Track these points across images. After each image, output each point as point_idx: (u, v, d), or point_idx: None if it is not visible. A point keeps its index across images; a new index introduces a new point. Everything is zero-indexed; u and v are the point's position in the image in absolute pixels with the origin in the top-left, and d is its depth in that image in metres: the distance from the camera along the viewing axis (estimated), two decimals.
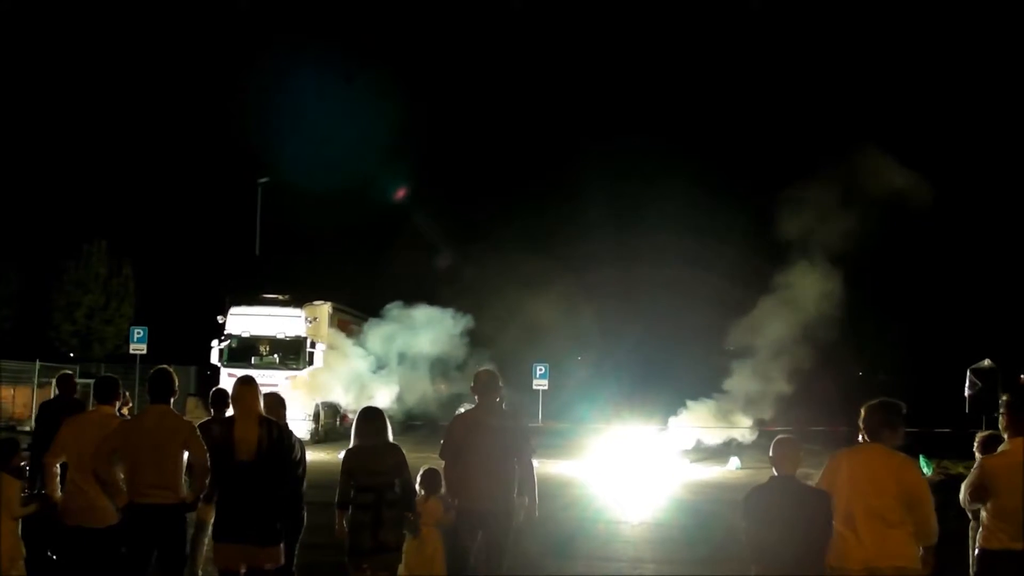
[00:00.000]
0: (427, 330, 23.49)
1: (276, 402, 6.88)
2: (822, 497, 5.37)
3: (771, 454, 5.61)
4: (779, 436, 5.81)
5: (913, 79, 37.37)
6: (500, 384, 6.82)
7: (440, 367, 23.75)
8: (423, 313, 23.63)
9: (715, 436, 22.00)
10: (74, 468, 6.43)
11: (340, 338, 24.83)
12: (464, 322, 23.56)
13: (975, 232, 29.51)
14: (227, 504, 6.08)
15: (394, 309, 23.88)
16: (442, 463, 6.88)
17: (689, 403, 22.31)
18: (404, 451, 6.64)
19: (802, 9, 41.11)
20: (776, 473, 5.57)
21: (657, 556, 10.83)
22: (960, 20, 37.78)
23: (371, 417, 6.76)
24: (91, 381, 10.43)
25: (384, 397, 22.07)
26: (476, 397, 6.81)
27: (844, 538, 5.11)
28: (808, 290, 20.66)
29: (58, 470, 6.60)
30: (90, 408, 7.48)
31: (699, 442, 22.04)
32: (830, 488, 5.25)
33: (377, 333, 23.89)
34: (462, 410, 8.49)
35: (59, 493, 6.50)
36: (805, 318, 20.44)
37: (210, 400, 7.93)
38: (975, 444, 6.35)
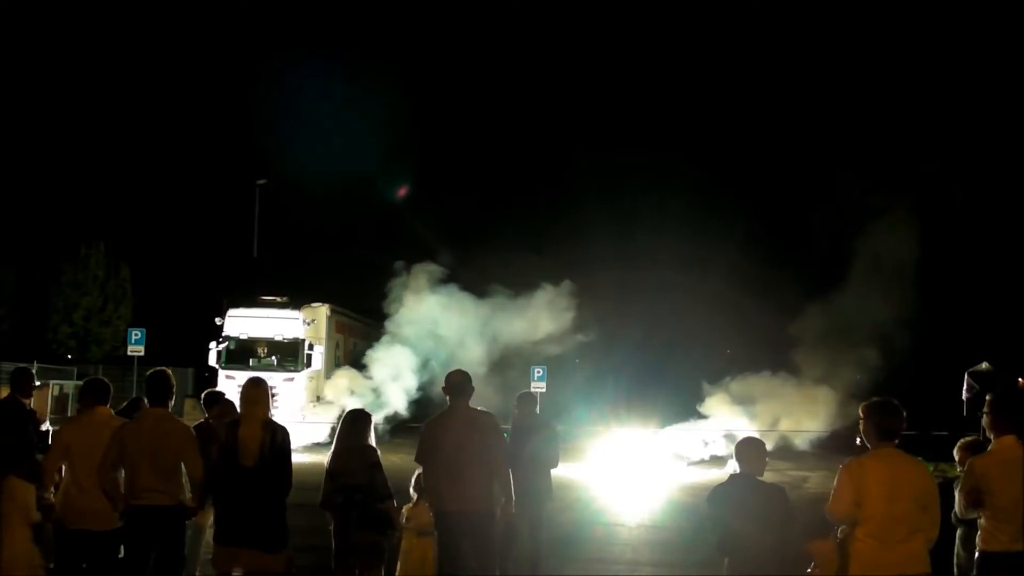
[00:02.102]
0: (533, 315, 23.06)
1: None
2: (780, 492, 5.68)
3: (736, 452, 5.89)
4: (746, 436, 6.15)
5: (904, 82, 37.47)
6: (472, 385, 6.75)
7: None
8: (542, 299, 23.10)
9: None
10: (75, 471, 6.34)
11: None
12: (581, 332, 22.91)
13: (974, 233, 29.52)
14: (230, 508, 6.04)
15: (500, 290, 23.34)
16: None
17: (737, 385, 21.11)
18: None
19: (799, 21, 41.23)
20: (739, 471, 5.81)
21: (655, 558, 10.84)
22: (956, 29, 37.86)
23: (355, 420, 6.78)
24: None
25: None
26: (448, 398, 6.71)
27: (872, 547, 4.96)
28: (894, 251, 20.36)
29: (56, 475, 6.54)
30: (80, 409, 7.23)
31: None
32: (856, 498, 5.03)
33: (476, 304, 23.18)
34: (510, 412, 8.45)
35: (53, 496, 6.41)
36: (890, 289, 20.16)
37: (203, 402, 7.93)
38: (956, 451, 6.15)
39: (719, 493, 5.79)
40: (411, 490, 7.33)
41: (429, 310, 23.56)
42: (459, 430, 6.54)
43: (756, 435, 6.33)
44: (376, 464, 6.54)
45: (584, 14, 48.88)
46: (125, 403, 8.55)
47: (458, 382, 6.71)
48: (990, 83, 36.18)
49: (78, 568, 6.34)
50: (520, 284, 24.06)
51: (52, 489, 6.46)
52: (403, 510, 7.01)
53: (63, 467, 6.47)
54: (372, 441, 6.74)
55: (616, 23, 49.84)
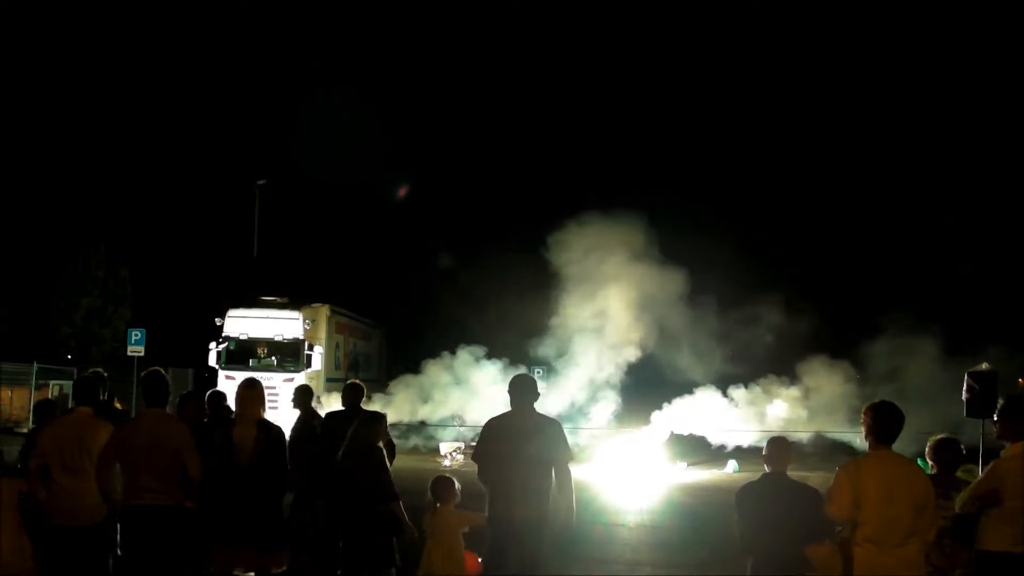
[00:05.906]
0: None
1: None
2: (813, 493, 5.57)
3: (764, 452, 5.88)
4: (773, 435, 6.13)
5: (902, 78, 37.55)
6: (538, 390, 6.53)
7: None
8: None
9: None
10: (57, 469, 6.38)
11: None
12: None
13: (974, 233, 29.56)
14: (227, 507, 6.04)
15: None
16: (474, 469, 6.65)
17: None
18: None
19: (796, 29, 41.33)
20: (768, 470, 5.79)
21: (655, 558, 10.84)
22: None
23: (375, 420, 6.75)
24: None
25: None
26: (511, 401, 6.46)
27: (869, 552, 4.99)
28: None
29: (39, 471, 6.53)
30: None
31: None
32: (855, 499, 5.05)
33: None
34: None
35: (43, 493, 6.43)
36: None
37: (206, 402, 7.92)
38: (928, 450, 5.97)
39: (748, 491, 5.76)
40: (429, 493, 7.11)
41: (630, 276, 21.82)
42: (522, 434, 6.30)
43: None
44: (382, 464, 6.48)
45: (592, 29, 48.97)
46: (103, 400, 8.52)
47: (524, 384, 6.48)
48: (994, 81, 36.24)
49: (63, 564, 6.36)
50: (520, 285, 23.81)
51: (41, 486, 6.46)
52: (426, 517, 6.84)
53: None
54: (380, 442, 6.68)
55: (624, 50, 49.90)
